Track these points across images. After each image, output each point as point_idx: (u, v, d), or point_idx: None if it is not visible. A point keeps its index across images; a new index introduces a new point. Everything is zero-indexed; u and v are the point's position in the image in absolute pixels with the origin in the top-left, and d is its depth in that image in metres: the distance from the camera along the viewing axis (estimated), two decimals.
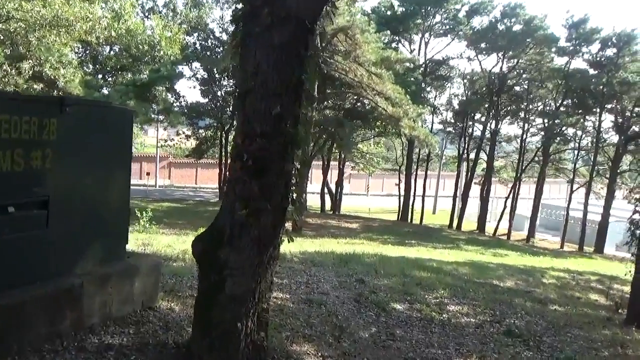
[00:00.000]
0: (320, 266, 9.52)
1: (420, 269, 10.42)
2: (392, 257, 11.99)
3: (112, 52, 27.21)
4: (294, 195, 3.61)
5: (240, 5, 3.58)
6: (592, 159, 33.79)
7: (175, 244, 10.42)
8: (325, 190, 35.67)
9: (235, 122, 32.94)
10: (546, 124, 33.05)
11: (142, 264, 4.29)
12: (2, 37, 15.55)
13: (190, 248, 3.65)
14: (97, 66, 27.80)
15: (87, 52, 26.83)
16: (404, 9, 33.66)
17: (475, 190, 36.83)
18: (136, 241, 10.35)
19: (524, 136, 35.15)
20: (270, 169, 3.41)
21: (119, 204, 4.10)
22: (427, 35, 34.71)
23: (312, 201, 35.53)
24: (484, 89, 34.26)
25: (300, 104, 3.62)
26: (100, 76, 27.56)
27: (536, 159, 35.25)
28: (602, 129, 31.03)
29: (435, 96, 38.10)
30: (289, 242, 3.75)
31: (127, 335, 3.89)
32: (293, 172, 3.60)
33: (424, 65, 34.18)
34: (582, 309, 8.65)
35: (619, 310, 8.70)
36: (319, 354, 4.98)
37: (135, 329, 4.04)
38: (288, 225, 3.70)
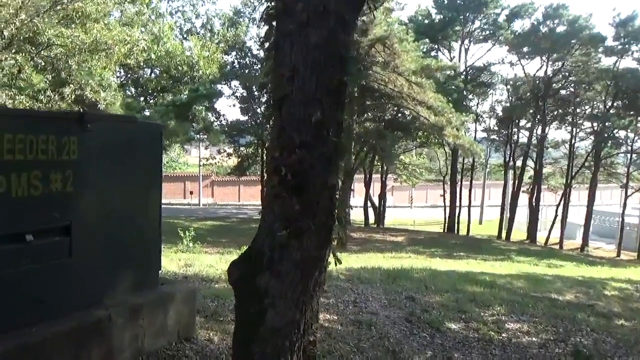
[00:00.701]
0: (368, 283, 9.13)
1: (472, 283, 9.91)
2: (442, 272, 11.48)
3: (152, 75, 27.60)
4: (337, 210, 3.22)
5: (272, 3, 3.23)
6: None
7: (218, 263, 10.18)
8: (369, 203, 35.14)
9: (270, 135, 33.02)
10: (596, 128, 31.79)
11: (177, 291, 3.94)
12: (44, 64, 15.79)
13: (227, 274, 3.29)
14: (139, 89, 28.21)
15: (129, 75, 27.30)
16: (442, 17, 33.08)
17: (523, 199, 35.68)
18: (179, 262, 10.17)
19: (573, 141, 33.91)
20: (312, 183, 3.03)
21: (150, 227, 3.77)
22: (466, 42, 34.02)
23: (356, 215, 35.03)
24: (528, 94, 33.25)
25: (343, 110, 3.23)
26: (142, 98, 27.92)
27: (586, 164, 33.89)
28: None
29: (478, 104, 37.25)
30: (336, 264, 3.35)
31: None
32: (337, 185, 3.21)
33: (464, 73, 33.46)
34: None
35: None
36: None
37: None
38: (333, 243, 3.30)
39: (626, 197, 32.83)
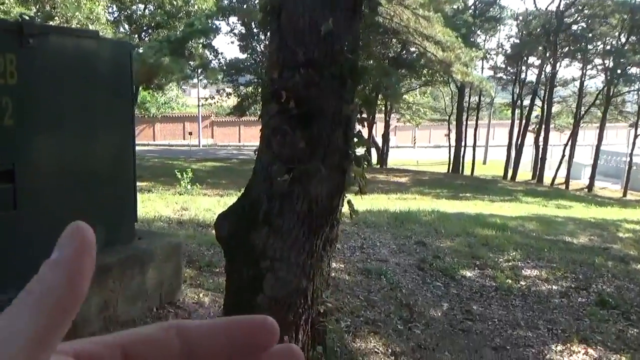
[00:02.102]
0: (374, 227, 8.67)
1: (483, 226, 9.49)
2: (451, 214, 11.01)
3: (146, 10, 26.38)
4: (357, 149, 2.52)
5: None
6: None
7: (216, 207, 9.61)
8: (371, 143, 34.39)
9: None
10: (609, 64, 30.56)
11: (157, 246, 3.27)
12: None
13: (214, 227, 2.62)
14: (133, 25, 27.05)
15: (122, 12, 26.16)
16: None
17: (529, 139, 34.85)
18: (175, 205, 9.62)
19: (583, 79, 32.73)
20: (322, 112, 2.31)
21: (120, 172, 3.07)
22: None
23: None
24: (539, 29, 31.81)
25: (360, 18, 2.47)
26: (135, 36, 26.77)
27: (597, 102, 32.84)
28: None
29: (485, 40, 35.82)
30: (351, 216, 2.68)
31: None
32: (354, 116, 2.51)
33: (473, 6, 31.96)
34: None
35: None
36: (389, 349, 3.96)
37: None
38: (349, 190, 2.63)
39: (635, 136, 31.94)
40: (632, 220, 13.03)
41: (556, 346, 4.84)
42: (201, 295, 3.90)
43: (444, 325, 4.96)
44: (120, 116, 3.01)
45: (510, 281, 6.44)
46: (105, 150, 2.98)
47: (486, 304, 5.76)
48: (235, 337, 0.32)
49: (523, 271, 6.93)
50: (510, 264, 7.18)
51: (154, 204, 9.56)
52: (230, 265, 2.51)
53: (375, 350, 3.85)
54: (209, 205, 9.77)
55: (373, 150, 34.59)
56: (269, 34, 2.44)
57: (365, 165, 2.46)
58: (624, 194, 31.07)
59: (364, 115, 2.46)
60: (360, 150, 2.50)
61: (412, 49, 23.69)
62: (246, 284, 2.40)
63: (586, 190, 31.42)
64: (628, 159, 32.46)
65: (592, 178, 32.20)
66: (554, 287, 6.50)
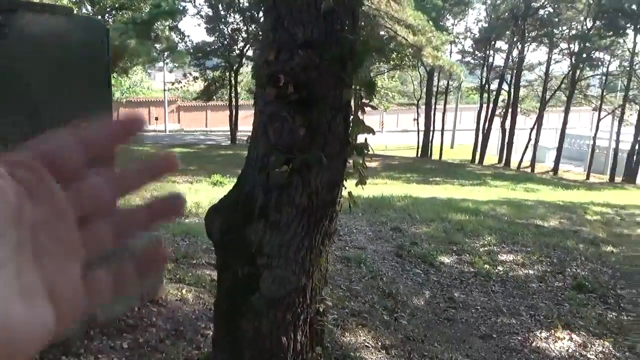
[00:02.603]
0: (349, 213, 8.60)
1: (456, 211, 9.55)
2: (424, 199, 11.05)
3: None
4: (357, 136, 2.36)
5: None
6: (622, 85, 31.91)
7: (187, 194, 9.35)
8: None
9: (246, 58, 31.46)
10: (575, 49, 30.97)
11: (137, 240, 3.06)
12: None
13: (204, 224, 2.42)
14: (96, 7, 26.19)
15: None
16: None
17: (496, 123, 35.20)
18: (144, 193, 9.32)
19: (549, 63, 33.10)
20: (322, 97, 2.14)
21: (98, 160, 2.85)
22: None
23: None
24: (507, 13, 31.98)
25: None
26: (99, 17, 25.95)
27: (562, 86, 33.30)
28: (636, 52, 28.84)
29: (454, 24, 35.84)
30: (350, 208, 2.53)
31: (118, 352, 2.68)
32: (354, 102, 2.34)
33: None
34: (638, 249, 7.81)
35: None
36: (379, 343, 3.85)
37: (131, 339, 2.83)
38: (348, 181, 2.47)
39: (599, 119, 32.56)
40: (598, 202, 13.31)
41: (540, 333, 4.84)
42: (184, 291, 3.70)
43: (428, 315, 4.90)
44: (97, 100, 2.77)
45: (488, 266, 6.48)
46: None
47: (467, 291, 5.75)
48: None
49: (499, 256, 6.98)
50: (486, 248, 7.23)
51: None
52: (222, 263, 2.32)
53: (366, 344, 3.73)
54: (180, 192, 9.51)
55: None
56: (262, 12, 2.24)
57: (366, 154, 2.30)
58: (587, 177, 31.74)
59: (365, 100, 2.29)
60: (360, 138, 2.34)
61: (382, 33, 23.53)
62: (241, 282, 2.22)
63: (551, 173, 31.97)
64: (592, 142, 33.10)
65: (557, 161, 32.75)
66: (530, 271, 6.56)
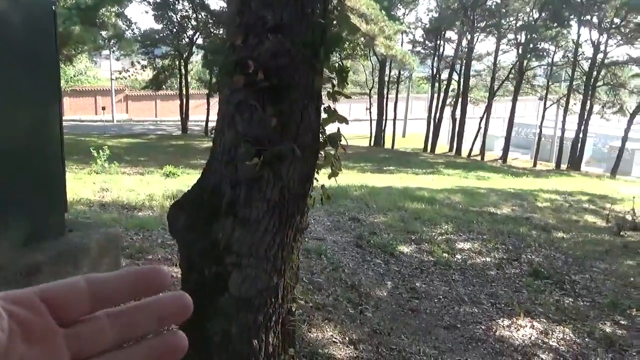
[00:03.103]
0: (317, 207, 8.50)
1: (412, 200, 9.60)
2: (380, 188, 11.06)
3: None
4: (326, 126, 2.24)
5: None
6: (566, 75, 32.85)
7: (139, 186, 9.05)
8: None
9: (195, 48, 30.81)
10: (522, 40, 31.66)
11: (92, 239, 2.83)
12: None
13: (167, 220, 2.25)
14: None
15: None
16: None
17: (446, 112, 35.72)
18: (93, 185, 8.95)
19: (497, 53, 33.74)
20: (295, 85, 2.00)
21: (45, 152, 2.60)
22: None
23: None
24: (457, 4, 32.38)
25: None
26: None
27: (510, 76, 34.04)
28: (580, 43, 29.72)
29: (404, 14, 36.05)
30: (322, 202, 2.41)
31: None
32: (324, 89, 2.22)
33: None
34: (587, 234, 8.08)
35: (621, 233, 8.21)
36: (346, 337, 3.76)
37: None
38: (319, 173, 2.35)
39: (544, 109, 33.45)
40: (547, 189, 13.63)
41: (503, 321, 4.87)
42: None
43: (392, 306, 4.86)
44: (43, 86, 2.53)
45: (447, 255, 6.53)
46: (27, 127, 2.49)
47: (428, 281, 5.75)
48: (131, 281, 0.38)
49: (457, 244, 7.04)
50: (444, 237, 7.28)
51: (70, 185, 8.82)
52: (187, 263, 2.16)
53: (333, 340, 3.63)
54: (131, 184, 9.19)
55: None
56: None
57: (338, 144, 2.18)
58: (534, 164, 32.63)
59: (337, 89, 2.16)
60: (332, 129, 2.22)
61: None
62: (208, 283, 2.07)
63: (501, 161, 32.70)
64: (538, 130, 34.02)
65: (505, 149, 33.52)
66: (487, 259, 6.64)
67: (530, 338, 4.53)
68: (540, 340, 4.52)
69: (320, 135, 2.17)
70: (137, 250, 5.16)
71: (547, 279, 6.06)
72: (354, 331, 3.91)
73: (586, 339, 4.63)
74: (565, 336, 4.67)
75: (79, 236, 2.75)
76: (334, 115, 2.17)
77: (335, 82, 2.21)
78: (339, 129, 2.20)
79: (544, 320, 4.91)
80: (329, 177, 2.33)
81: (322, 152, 2.24)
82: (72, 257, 2.63)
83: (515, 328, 4.70)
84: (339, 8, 2.06)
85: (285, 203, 2.06)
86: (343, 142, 2.25)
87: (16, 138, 2.46)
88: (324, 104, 2.25)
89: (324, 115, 2.23)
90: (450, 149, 35.40)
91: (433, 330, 4.37)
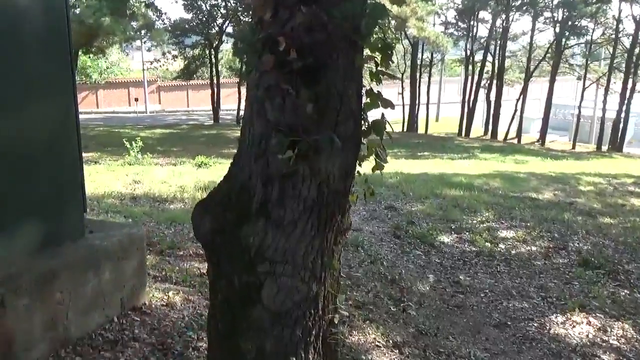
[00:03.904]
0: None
1: (450, 186, 9.30)
2: (415, 175, 10.76)
3: None
4: (369, 112, 1.96)
5: None
6: (606, 53, 31.70)
7: (171, 178, 8.94)
8: None
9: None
10: (558, 18, 30.61)
11: (114, 241, 2.60)
12: None
13: (192, 223, 2.01)
14: None
15: None
16: None
17: (480, 94, 34.95)
18: (125, 177, 8.89)
19: (533, 33, 32.75)
20: (332, 65, 1.72)
21: (61, 150, 2.38)
22: None
23: None
24: None
25: None
26: None
27: (547, 56, 33.02)
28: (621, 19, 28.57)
29: None
30: (365, 198, 2.14)
31: None
32: (365, 70, 1.93)
33: None
34: (635, 219, 7.54)
35: None
36: (390, 340, 3.49)
37: (110, 358, 2.38)
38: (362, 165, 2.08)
39: (584, 89, 32.42)
40: (589, 173, 13.13)
41: (556, 317, 4.53)
42: (170, 294, 3.26)
43: (436, 302, 4.57)
44: (57, 79, 2.30)
45: (489, 245, 6.24)
46: (41, 122, 2.26)
47: (472, 273, 5.47)
48: None
49: (499, 233, 6.74)
50: (485, 225, 7.00)
51: (103, 178, 8.79)
52: (214, 270, 1.91)
53: (377, 343, 3.36)
54: (164, 176, 9.08)
55: None
56: None
57: (382, 132, 1.90)
58: (573, 146, 31.71)
59: (380, 68, 1.88)
60: (373, 114, 1.94)
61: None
62: (238, 294, 1.82)
63: (538, 144, 31.85)
64: (577, 111, 32.99)
65: (543, 132, 32.63)
66: (533, 248, 6.33)
67: (587, 336, 4.18)
68: (599, 339, 4.17)
69: (363, 123, 1.89)
70: (169, 245, 4.98)
71: (599, 269, 5.68)
72: (398, 332, 3.63)
73: None
74: (625, 333, 4.31)
75: (100, 238, 2.54)
76: (377, 99, 1.88)
77: (378, 60, 1.91)
78: (383, 114, 1.92)
79: (601, 316, 4.55)
80: (373, 170, 2.05)
81: (365, 142, 1.96)
82: (93, 262, 2.42)
83: (570, 325, 4.36)
84: None
85: (324, 201, 1.78)
86: (388, 129, 1.96)
87: (27, 133, 2.24)
88: (365, 86, 1.96)
89: (365, 100, 1.95)
90: (485, 133, 34.67)
91: (482, 329, 4.07)
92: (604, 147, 30.32)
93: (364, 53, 1.93)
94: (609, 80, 29.84)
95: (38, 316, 2.16)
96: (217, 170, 10.11)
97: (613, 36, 29.88)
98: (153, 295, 3.12)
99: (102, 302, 2.51)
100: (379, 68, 1.88)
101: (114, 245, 2.54)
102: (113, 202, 6.83)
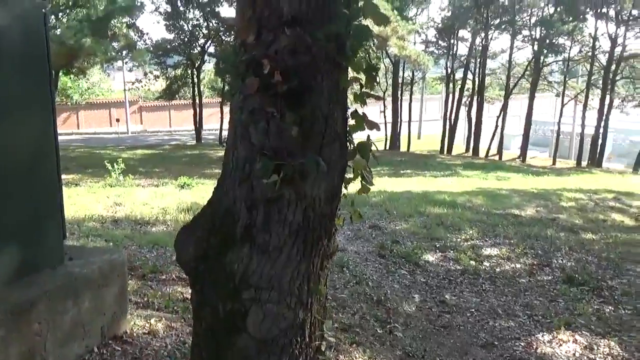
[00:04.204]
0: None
1: (433, 204, 9.31)
2: (399, 193, 10.76)
3: None
4: (354, 134, 1.93)
5: None
6: (583, 70, 32.24)
7: (154, 199, 8.82)
8: None
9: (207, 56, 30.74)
10: (536, 36, 31.14)
11: (94, 268, 2.53)
12: None
13: (174, 248, 1.95)
14: (49, 6, 25.14)
15: None
16: None
17: (461, 112, 35.30)
18: (107, 200, 8.75)
19: (512, 51, 33.23)
20: (317, 87, 1.70)
21: (38, 171, 2.32)
22: None
23: None
24: (469, 1, 31.94)
25: None
26: (52, 16, 24.90)
27: (526, 73, 33.52)
28: (597, 37, 29.11)
29: (416, 14, 35.67)
30: (352, 220, 2.11)
31: None
32: (349, 91, 1.91)
33: None
34: (617, 235, 7.62)
35: None
36: None
37: None
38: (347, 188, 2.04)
39: (562, 105, 32.87)
40: (570, 188, 13.22)
41: (543, 336, 4.51)
42: (152, 321, 3.17)
43: (423, 323, 4.53)
44: (35, 100, 2.24)
45: (474, 263, 6.23)
46: (18, 145, 2.18)
47: (458, 292, 5.44)
48: None
49: (484, 250, 6.74)
50: (469, 243, 7.00)
51: (84, 200, 8.65)
52: (199, 298, 1.86)
53: None
54: (145, 197, 8.96)
55: None
56: None
57: (368, 155, 1.87)
58: (554, 162, 32.05)
59: (365, 90, 1.86)
60: (361, 136, 1.92)
61: None
62: (222, 322, 1.76)
63: (519, 160, 32.16)
64: (556, 128, 33.39)
65: (524, 148, 32.96)
66: (517, 265, 6.33)
67: (574, 355, 4.16)
68: (585, 357, 4.15)
69: (348, 145, 1.87)
70: (151, 269, 4.89)
71: (583, 285, 5.69)
72: (385, 355, 3.59)
73: (635, 354, 4.25)
74: (612, 351, 4.30)
75: (80, 265, 2.46)
76: (363, 121, 1.86)
77: (362, 82, 1.90)
78: (368, 136, 1.89)
79: (587, 333, 4.54)
80: (359, 192, 2.02)
81: (351, 164, 1.93)
82: (72, 290, 2.34)
83: (557, 343, 4.34)
84: None
85: (310, 226, 1.75)
86: (373, 149, 1.93)
87: (2, 156, 2.17)
88: (349, 107, 1.94)
89: (351, 122, 1.92)
90: (467, 150, 34.95)
91: (470, 350, 4.03)
92: (584, 163, 30.66)
93: (349, 74, 1.91)
94: (587, 97, 30.31)
95: (14, 348, 2.07)
96: (200, 191, 10.02)
97: (590, 54, 30.38)
98: (135, 323, 3.04)
99: (81, 332, 2.43)
100: (363, 89, 1.86)
101: (93, 273, 2.46)
102: (94, 226, 6.72)
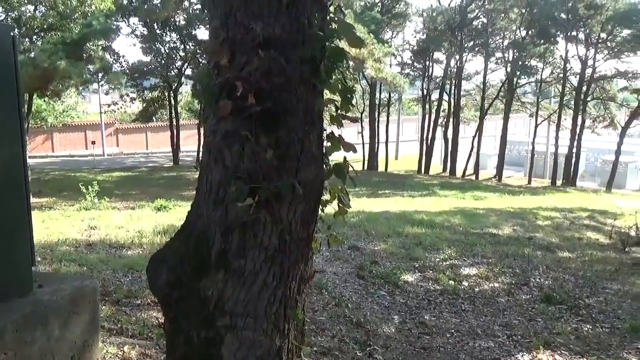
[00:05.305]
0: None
1: (411, 224, 9.36)
2: (377, 213, 10.78)
3: (36, 12, 24.36)
4: (331, 155, 1.92)
5: None
6: (555, 91, 32.91)
7: (129, 223, 8.69)
8: None
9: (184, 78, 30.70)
10: (509, 58, 31.77)
11: (64, 294, 2.45)
12: None
13: (146, 274, 1.90)
14: (23, 28, 24.92)
15: (9, 14, 23.96)
16: None
17: (438, 132, 35.72)
18: (81, 223, 8.60)
19: (486, 72, 33.82)
20: (292, 109, 1.68)
21: (6, 199, 2.25)
22: None
23: None
24: (444, 25, 32.53)
25: None
26: (26, 39, 24.69)
27: (500, 94, 34.11)
28: (568, 59, 29.79)
29: (392, 37, 36.19)
30: (329, 245, 2.08)
31: None
32: (324, 113, 1.90)
33: (380, 3, 32.18)
34: (592, 252, 7.80)
35: (626, 249, 8.00)
36: None
37: None
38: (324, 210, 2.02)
39: (536, 125, 33.43)
40: (545, 207, 13.40)
41: (522, 356, 4.52)
42: (126, 348, 3.08)
43: (402, 345, 4.49)
44: (3, 124, 2.18)
45: (453, 283, 6.24)
46: None
47: (437, 312, 5.42)
48: None
49: (462, 270, 6.76)
50: (447, 263, 7.03)
51: (57, 224, 8.49)
52: (172, 326, 1.80)
53: None
54: (121, 221, 8.82)
55: None
56: (207, 6, 1.76)
57: (345, 177, 1.86)
58: (529, 182, 32.49)
59: (341, 112, 1.85)
60: (337, 158, 1.90)
61: None
62: (197, 350, 1.71)
63: (495, 179, 32.54)
64: (531, 147, 33.92)
65: (499, 168, 33.37)
66: (495, 284, 6.36)
67: None
68: None
69: (325, 167, 1.85)
70: (125, 294, 4.80)
71: (561, 304, 5.74)
72: None
73: None
74: None
75: (50, 292, 2.37)
76: (339, 143, 1.85)
77: (338, 104, 1.89)
78: (345, 157, 1.88)
79: (566, 353, 4.55)
80: (336, 215, 1.99)
81: (327, 186, 1.91)
82: (41, 319, 2.26)
83: None
84: (338, 17, 1.73)
85: (286, 250, 1.72)
86: (350, 171, 1.92)
87: None
88: (325, 129, 1.92)
89: (326, 144, 1.91)
90: (444, 170, 35.29)
91: None
92: (558, 182, 31.13)
93: (324, 96, 1.90)
94: (559, 117, 30.89)
95: None
96: (177, 213, 9.91)
97: (561, 75, 31.04)
98: (107, 351, 2.95)
99: None
100: (339, 111, 1.85)
101: (63, 300, 2.38)
102: (67, 250, 6.58)
